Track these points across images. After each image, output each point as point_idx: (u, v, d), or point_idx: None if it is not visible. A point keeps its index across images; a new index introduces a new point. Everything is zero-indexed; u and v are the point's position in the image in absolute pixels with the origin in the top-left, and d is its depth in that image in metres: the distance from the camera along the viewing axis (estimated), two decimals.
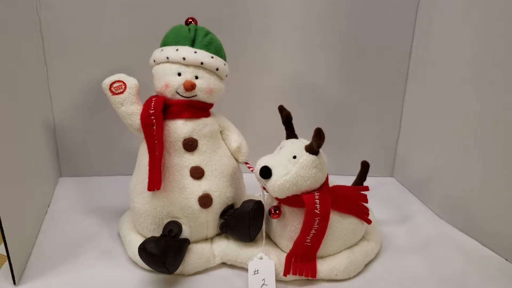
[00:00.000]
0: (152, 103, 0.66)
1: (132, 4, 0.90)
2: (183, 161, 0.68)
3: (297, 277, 0.66)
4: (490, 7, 0.75)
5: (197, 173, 0.68)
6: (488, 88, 0.76)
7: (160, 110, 0.66)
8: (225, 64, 0.72)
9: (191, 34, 0.69)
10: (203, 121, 0.71)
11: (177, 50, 0.68)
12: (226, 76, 0.73)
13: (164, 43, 0.71)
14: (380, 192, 1.00)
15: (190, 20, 0.72)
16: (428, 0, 0.94)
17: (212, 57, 0.69)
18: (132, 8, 0.90)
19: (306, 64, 1.00)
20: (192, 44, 0.69)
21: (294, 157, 0.64)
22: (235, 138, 0.75)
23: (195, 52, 0.68)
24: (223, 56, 0.72)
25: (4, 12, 0.68)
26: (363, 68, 1.01)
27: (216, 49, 0.71)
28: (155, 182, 0.65)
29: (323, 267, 0.67)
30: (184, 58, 0.68)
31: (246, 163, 0.75)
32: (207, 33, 0.71)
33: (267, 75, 1.00)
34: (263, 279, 0.65)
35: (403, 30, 0.99)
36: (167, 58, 0.68)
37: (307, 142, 0.65)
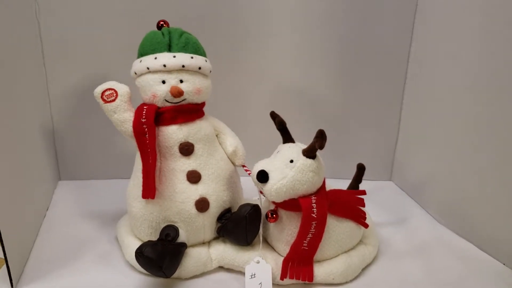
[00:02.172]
0: (144, 111, 0.66)
1: (131, 9, 0.90)
2: (179, 166, 0.68)
3: (294, 281, 0.66)
4: (489, 11, 0.75)
5: (193, 177, 0.68)
6: (486, 93, 0.76)
7: (152, 120, 0.65)
8: (206, 61, 0.71)
9: (166, 38, 0.68)
10: (198, 124, 0.71)
11: (155, 58, 0.67)
12: (210, 71, 0.72)
13: (141, 53, 0.70)
14: (378, 196, 1.00)
15: (162, 23, 0.72)
16: (426, 4, 0.94)
17: (192, 57, 0.69)
18: (131, 12, 0.91)
19: (304, 68, 1.00)
20: (169, 49, 0.68)
21: (291, 161, 0.64)
22: (230, 142, 0.75)
23: (174, 56, 0.67)
24: (202, 53, 0.71)
25: (4, 16, 0.68)
26: (361, 72, 1.01)
27: (194, 48, 0.70)
28: (149, 191, 0.65)
29: (320, 271, 0.67)
30: (164, 65, 0.67)
31: (243, 166, 0.75)
32: (181, 33, 0.70)
33: (265, 79, 1.00)
34: (260, 283, 0.65)
35: (401, 35, 0.99)
36: (148, 68, 0.68)
37: (304, 146, 0.66)
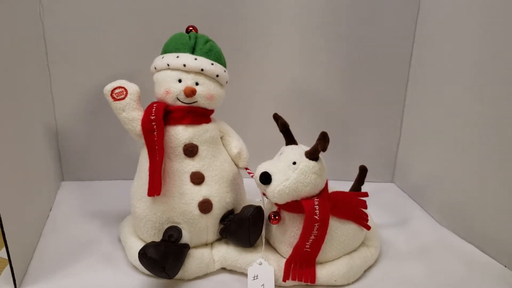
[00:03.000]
0: (153, 109, 0.67)
1: (134, 10, 0.91)
2: (183, 167, 0.68)
3: (296, 282, 0.67)
4: (491, 12, 0.75)
5: (197, 178, 0.68)
6: (488, 94, 0.76)
7: (161, 116, 0.66)
8: (225, 71, 0.72)
9: (192, 41, 0.70)
10: (204, 127, 0.71)
11: (177, 57, 0.69)
12: (226, 82, 0.74)
13: (165, 51, 0.71)
14: (380, 198, 1.00)
15: (191, 28, 0.73)
16: (429, 5, 0.94)
17: (212, 64, 0.70)
18: (134, 14, 0.91)
19: (306, 69, 1.00)
20: (193, 51, 0.70)
21: (294, 163, 0.64)
22: (235, 144, 0.75)
23: (196, 59, 0.69)
24: (223, 63, 0.73)
25: (8, 17, 0.68)
26: (363, 73, 1.01)
27: (216, 56, 0.72)
28: (155, 188, 0.65)
29: (322, 272, 0.67)
30: (184, 65, 0.68)
31: (247, 169, 0.75)
32: (207, 40, 0.72)
33: (267, 80, 1.00)
34: (263, 285, 0.65)
35: (403, 35, 0.99)
36: (168, 65, 0.69)
37: (307, 148, 0.66)
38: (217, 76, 0.71)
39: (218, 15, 0.93)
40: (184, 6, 0.91)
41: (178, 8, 0.91)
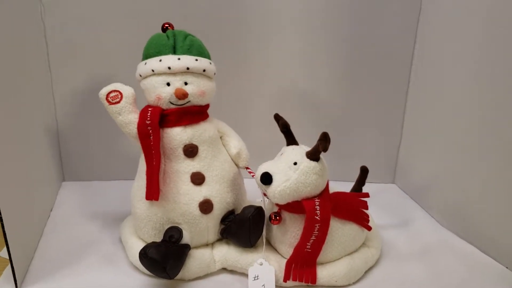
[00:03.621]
0: (149, 113, 0.66)
1: (135, 11, 0.91)
2: (183, 167, 0.68)
3: (297, 283, 0.66)
4: (493, 12, 0.75)
5: (197, 179, 0.68)
6: (490, 95, 0.76)
7: (157, 122, 0.65)
8: (210, 63, 0.71)
9: (171, 40, 0.69)
10: (202, 126, 0.71)
11: (160, 60, 0.68)
12: (214, 74, 0.73)
13: (146, 55, 0.70)
14: (381, 199, 1.00)
15: (166, 25, 0.72)
16: (430, 6, 0.94)
17: (197, 60, 0.69)
18: (135, 15, 0.91)
19: (307, 70, 1.00)
20: (174, 51, 0.69)
21: (295, 163, 0.64)
22: (234, 144, 0.75)
23: (179, 59, 0.68)
24: (207, 56, 0.72)
25: (9, 17, 0.68)
26: (364, 74, 1.01)
27: (199, 50, 0.70)
28: (153, 192, 0.65)
29: (323, 273, 0.67)
30: (169, 68, 0.67)
31: (247, 168, 0.75)
32: (186, 35, 0.70)
33: (268, 81, 1.00)
34: (263, 285, 0.65)
35: (404, 37, 0.99)
36: (153, 70, 0.68)
37: (308, 149, 0.66)
38: (204, 70, 0.70)
39: (218, 16, 0.93)
40: (185, 7, 0.91)
41: (179, 9, 0.91)
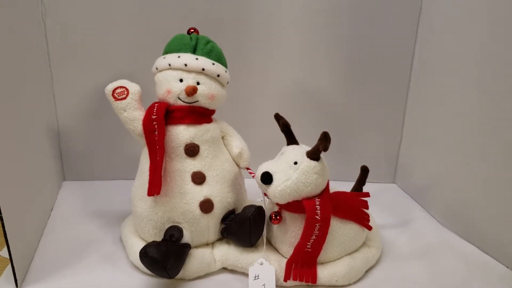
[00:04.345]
0: (155, 109, 0.67)
1: (136, 12, 0.91)
2: (184, 167, 0.68)
3: (297, 283, 0.66)
4: (493, 13, 0.75)
5: (198, 178, 0.68)
6: (491, 96, 0.76)
7: (162, 116, 0.66)
8: (226, 71, 0.73)
9: (193, 42, 0.71)
10: (205, 126, 0.71)
11: (179, 57, 0.69)
12: (228, 83, 0.74)
13: (167, 51, 0.72)
14: (381, 198, 1.00)
15: (192, 30, 0.74)
16: (431, 6, 0.94)
17: (213, 64, 0.70)
18: (136, 15, 0.91)
19: (308, 70, 1.00)
20: (194, 51, 0.70)
21: (295, 163, 0.64)
22: (236, 144, 0.75)
23: (197, 58, 0.69)
24: (224, 64, 0.73)
25: (10, 18, 0.69)
26: (365, 74, 1.01)
27: (217, 57, 0.72)
28: (155, 187, 0.65)
29: (324, 273, 0.67)
30: (185, 65, 0.69)
31: (248, 169, 0.75)
32: (208, 41, 0.72)
33: (269, 81, 1.00)
34: (264, 285, 0.65)
35: (405, 37, 0.99)
36: (169, 65, 0.69)
37: (308, 148, 0.66)
38: (218, 76, 0.71)
39: (220, 17, 0.93)
40: (186, 7, 0.92)
41: (179, 10, 0.91)
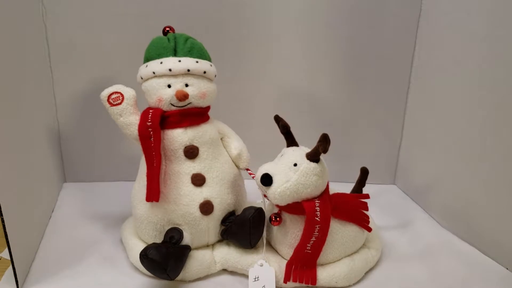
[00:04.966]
0: (150, 115, 0.66)
1: (137, 13, 0.91)
2: (184, 169, 0.69)
3: (297, 284, 0.67)
4: (493, 15, 0.75)
5: (198, 180, 0.68)
6: (491, 97, 0.76)
7: (158, 123, 0.66)
8: (211, 65, 0.72)
9: (171, 43, 0.69)
10: (203, 127, 0.71)
11: (161, 63, 0.68)
12: (215, 76, 0.73)
13: (147, 58, 0.71)
14: (381, 200, 1.00)
15: (168, 29, 0.73)
16: (430, 8, 0.94)
17: (197, 62, 0.69)
18: (137, 16, 0.91)
19: (308, 72, 1.01)
20: (175, 53, 0.69)
21: (295, 164, 0.64)
22: (235, 145, 0.75)
23: (179, 61, 0.68)
24: (207, 58, 0.72)
25: (11, 19, 0.69)
26: (365, 76, 1.01)
27: (199, 53, 0.71)
28: (154, 194, 0.65)
29: (323, 274, 0.67)
30: (170, 69, 0.67)
31: (248, 170, 0.75)
32: (187, 38, 0.71)
33: (269, 82, 1.00)
34: (263, 286, 0.65)
35: (405, 38, 0.99)
36: (153, 72, 0.68)
37: (308, 150, 0.66)
38: (205, 72, 0.70)
39: (219, 17, 0.94)
40: (186, 8, 0.92)
41: (179, 11, 0.91)
